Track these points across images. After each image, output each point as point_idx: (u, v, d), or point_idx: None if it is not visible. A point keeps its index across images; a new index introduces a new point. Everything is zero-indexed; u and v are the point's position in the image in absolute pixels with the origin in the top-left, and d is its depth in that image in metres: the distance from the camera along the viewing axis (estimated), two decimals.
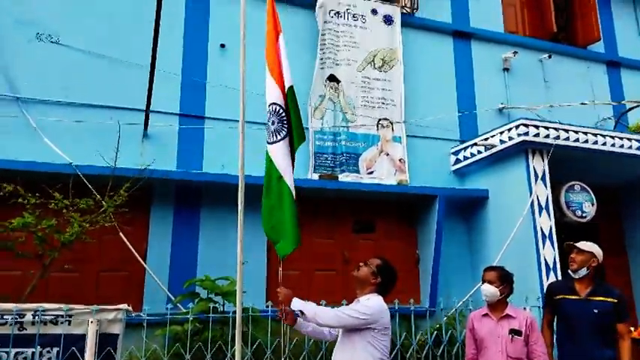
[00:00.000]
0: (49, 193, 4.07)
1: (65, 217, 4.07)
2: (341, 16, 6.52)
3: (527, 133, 5.52)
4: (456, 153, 6.54)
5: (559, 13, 8.16)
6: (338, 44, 6.43)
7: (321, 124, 6.16)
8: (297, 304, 2.79)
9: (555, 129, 5.69)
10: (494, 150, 5.91)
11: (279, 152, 3.27)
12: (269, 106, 3.33)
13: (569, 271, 3.44)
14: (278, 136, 3.29)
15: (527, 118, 5.75)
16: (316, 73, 6.22)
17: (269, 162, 3.30)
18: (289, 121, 3.32)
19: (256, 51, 4.52)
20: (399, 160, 6.33)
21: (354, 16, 6.59)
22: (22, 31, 5.14)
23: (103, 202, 4.30)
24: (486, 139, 5.98)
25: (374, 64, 6.56)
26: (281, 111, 3.31)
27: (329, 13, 6.45)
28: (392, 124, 6.42)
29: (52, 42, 5.14)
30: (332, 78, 6.32)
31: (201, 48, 5.87)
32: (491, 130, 6.06)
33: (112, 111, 5.22)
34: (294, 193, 3.22)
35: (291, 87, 3.35)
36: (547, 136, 5.61)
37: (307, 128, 6.04)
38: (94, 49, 5.33)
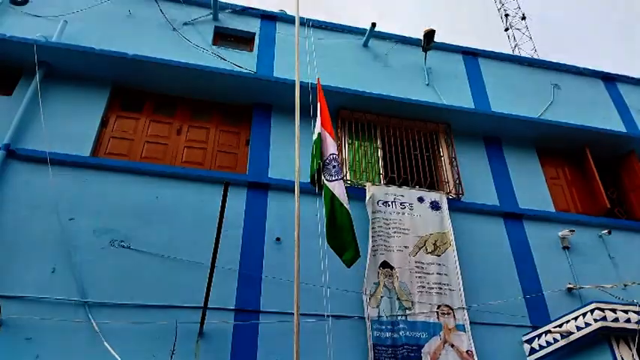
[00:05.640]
0: None
1: None
2: (389, 205, 6.81)
3: (604, 318, 5.04)
4: (530, 341, 5.95)
5: (609, 188, 8.18)
6: (388, 231, 6.58)
7: (378, 313, 5.94)
8: None
9: (636, 312, 5.18)
10: (572, 338, 5.36)
11: (339, 188, 4.57)
12: (330, 155, 4.76)
13: None
14: (338, 176, 4.65)
15: (600, 301, 5.32)
16: (369, 261, 6.25)
17: (331, 194, 4.52)
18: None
19: (309, 243, 4.70)
20: (467, 352, 5.81)
21: (401, 204, 6.87)
22: (98, 239, 5.66)
23: None
24: (560, 326, 5.49)
25: (426, 248, 6.57)
26: (338, 157, 4.79)
27: (377, 203, 6.78)
28: (453, 310, 6.10)
29: (123, 247, 5.61)
30: (385, 264, 6.32)
31: (258, 242, 6.15)
32: (565, 315, 5.58)
33: (170, 311, 5.32)
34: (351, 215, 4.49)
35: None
36: (628, 320, 5.09)
37: (363, 318, 5.84)
38: (159, 252, 5.71)
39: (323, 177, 4.70)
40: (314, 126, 5.18)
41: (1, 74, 6.75)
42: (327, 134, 4.96)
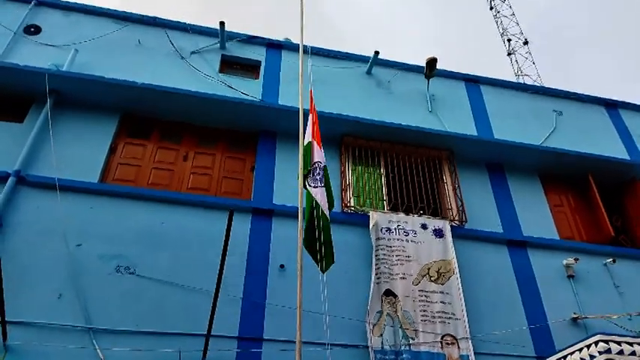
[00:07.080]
0: None
1: None
2: (392, 232, 6.83)
3: (609, 350, 4.98)
4: None
5: (613, 216, 8.17)
6: (392, 258, 6.58)
7: (381, 343, 5.91)
8: None
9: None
10: None
11: (320, 195, 4.72)
12: (316, 162, 4.92)
13: None
14: (320, 183, 4.80)
15: (605, 333, 5.27)
16: (373, 289, 6.24)
17: (312, 199, 4.68)
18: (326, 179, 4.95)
19: (312, 270, 4.72)
20: None
21: (405, 232, 6.89)
22: (105, 265, 5.72)
23: None
24: (565, 358, 5.43)
25: (429, 276, 6.56)
26: (323, 166, 4.96)
27: (381, 230, 6.80)
28: (457, 340, 6.06)
29: (129, 273, 5.66)
30: (388, 292, 6.31)
31: (261, 269, 6.17)
32: (569, 347, 5.52)
33: (173, 338, 5.33)
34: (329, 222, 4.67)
35: (325, 166, 5.04)
36: (633, 353, 5.02)
37: (367, 347, 5.82)
38: (163, 278, 5.75)
39: (306, 182, 4.86)
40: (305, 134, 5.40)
41: (13, 102, 6.91)
42: (315, 144, 5.13)
